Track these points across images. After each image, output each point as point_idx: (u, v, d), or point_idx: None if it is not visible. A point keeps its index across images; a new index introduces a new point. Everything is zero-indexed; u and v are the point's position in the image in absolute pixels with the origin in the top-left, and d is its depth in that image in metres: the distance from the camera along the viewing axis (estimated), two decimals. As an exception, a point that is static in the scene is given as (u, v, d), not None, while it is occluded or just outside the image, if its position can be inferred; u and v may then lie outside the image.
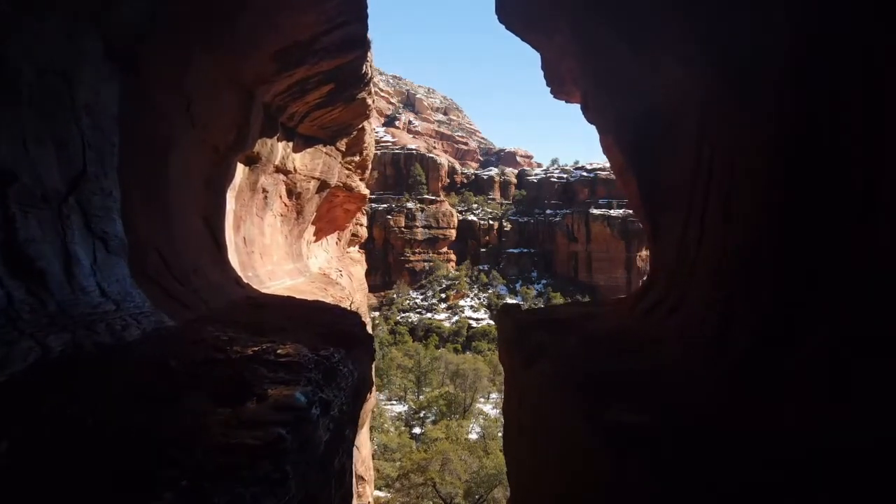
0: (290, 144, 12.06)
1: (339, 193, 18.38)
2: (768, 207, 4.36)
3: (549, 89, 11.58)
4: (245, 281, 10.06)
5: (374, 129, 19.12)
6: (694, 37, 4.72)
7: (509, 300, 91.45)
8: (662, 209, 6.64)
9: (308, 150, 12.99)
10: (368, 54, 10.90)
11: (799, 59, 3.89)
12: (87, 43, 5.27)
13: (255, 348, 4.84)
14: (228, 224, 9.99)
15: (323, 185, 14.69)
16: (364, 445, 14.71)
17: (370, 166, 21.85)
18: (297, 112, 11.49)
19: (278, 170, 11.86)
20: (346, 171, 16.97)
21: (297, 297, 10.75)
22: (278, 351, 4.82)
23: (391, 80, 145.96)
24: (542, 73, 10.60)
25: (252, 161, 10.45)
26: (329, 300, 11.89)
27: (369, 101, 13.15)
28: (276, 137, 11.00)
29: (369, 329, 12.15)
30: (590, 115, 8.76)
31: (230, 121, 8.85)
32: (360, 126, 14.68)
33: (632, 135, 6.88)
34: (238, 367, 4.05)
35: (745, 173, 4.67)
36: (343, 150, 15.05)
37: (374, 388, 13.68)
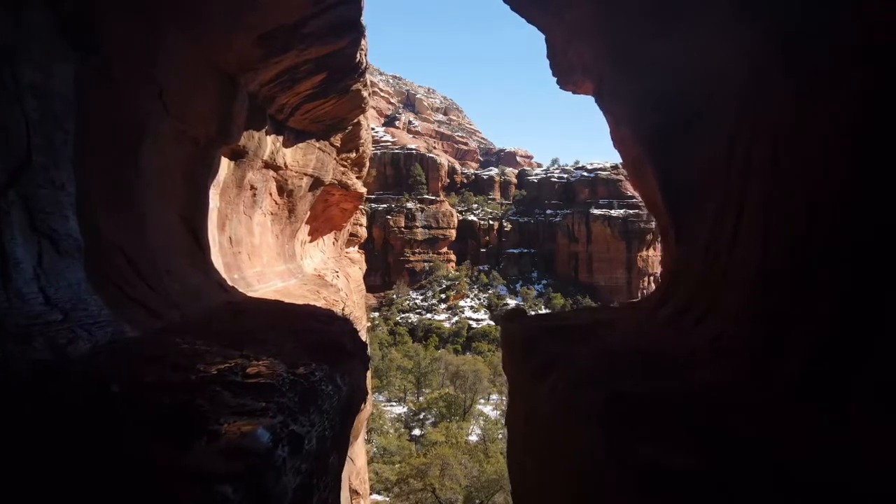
0: (281, 139, 11.36)
1: (334, 192, 17.68)
2: (825, 206, 3.67)
3: (555, 80, 10.90)
4: (230, 284, 9.36)
5: (370, 124, 18.42)
6: (739, 3, 4.02)
7: (510, 301, 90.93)
8: (686, 205, 5.95)
9: (300, 145, 12.30)
10: (363, 41, 10.21)
11: (872, 32, 3.21)
12: (33, 16, 4.57)
13: (222, 366, 4.14)
14: (212, 223, 9.30)
15: (317, 183, 14.00)
16: (359, 456, 14.04)
17: (367, 164, 21.16)
18: (288, 104, 10.80)
19: (267, 165, 11.16)
20: (342, 168, 16.28)
21: (287, 300, 10.05)
22: (248, 370, 4.12)
23: (391, 80, 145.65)
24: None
25: (238, 155, 9.75)
26: (321, 303, 11.20)
27: (364, 93, 12.45)
28: (264, 130, 10.31)
29: (364, 335, 11.45)
30: (604, 102, 8.07)
31: (211, 110, 8.16)
32: (356, 120, 13.99)
33: (653, 122, 6.20)
34: (194, 393, 3.37)
35: (796, 165, 3.98)
36: (338, 145, 14.36)
37: (370, 397, 13.01)
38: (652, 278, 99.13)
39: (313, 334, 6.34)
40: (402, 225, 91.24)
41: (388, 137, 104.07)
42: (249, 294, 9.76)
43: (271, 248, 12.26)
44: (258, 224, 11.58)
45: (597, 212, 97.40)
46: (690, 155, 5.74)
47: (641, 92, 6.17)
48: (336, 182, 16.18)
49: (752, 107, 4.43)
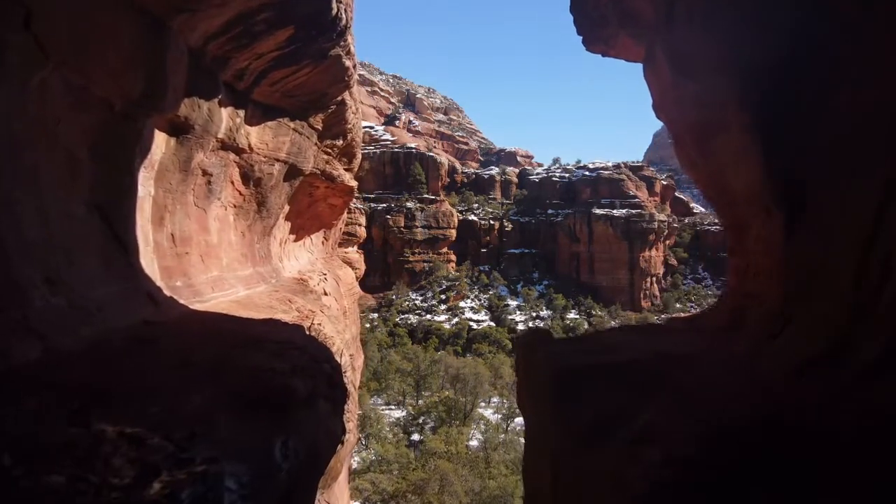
0: (242, 114, 9.24)
1: (318, 184, 15.55)
2: None
3: (581, 40, 8.78)
4: (167, 294, 7.25)
5: (359, 107, 16.29)
6: None
7: (510, 301, 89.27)
8: (819, 183, 3.82)
9: (269, 123, 10.18)
10: (341, -11, 8.11)
11: None
12: None
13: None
14: (143, 215, 7.19)
15: (293, 171, 11.87)
16: (341, 499, 11.93)
17: (358, 155, 19.04)
18: (249, 70, 8.69)
19: (226, 146, 9.05)
20: (325, 157, 14.14)
21: (244, 314, 7.94)
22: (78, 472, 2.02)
23: (391, 80, 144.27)
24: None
25: (179, 130, 7.64)
26: (291, 317, 9.09)
27: (347, 62, 10.33)
28: (216, 100, 8.19)
29: (353, 345, 9.34)
30: (663, 50, 5.95)
31: (128, 63, 6.05)
32: (339, 98, 11.88)
33: (765, 79, 4.08)
34: None
35: None
36: (319, 128, 12.25)
37: (352, 431, 10.96)
38: (654, 279, 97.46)
39: (247, 375, 4.24)
40: (402, 225, 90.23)
41: (388, 136, 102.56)
42: (194, 306, 7.64)
43: (234, 248, 10.13)
44: (216, 219, 9.46)
45: (599, 212, 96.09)
46: (829, 114, 3.62)
47: (743, 37, 4.05)
48: (318, 172, 14.04)
49: None
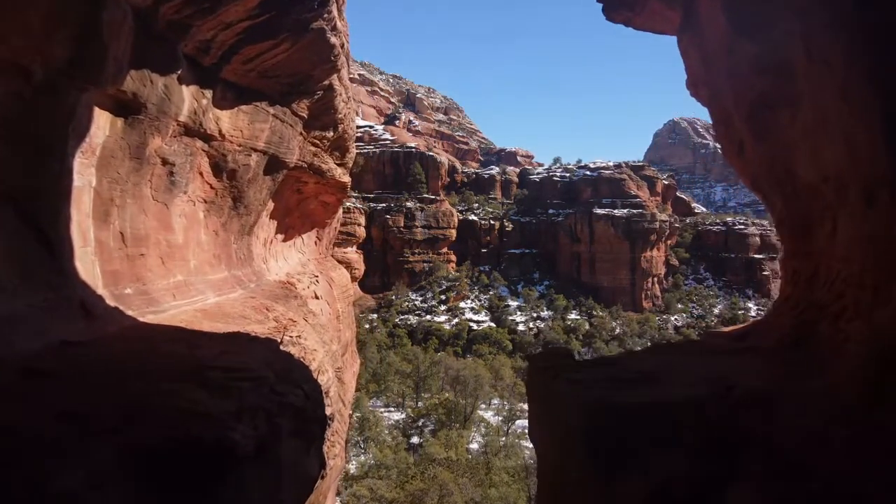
0: (210, 94, 8.05)
1: (306, 179, 14.34)
2: None
3: (601, 8, 7.58)
4: (110, 303, 6.06)
5: (351, 94, 15.07)
6: None
7: (511, 302, 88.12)
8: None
9: (244, 107, 8.98)
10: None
11: None
12: None
13: None
14: (80, 209, 6.00)
15: (275, 163, 10.67)
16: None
17: (351, 148, 17.83)
18: (216, 41, 7.50)
19: (191, 131, 7.85)
20: (313, 149, 12.93)
21: (207, 326, 6.74)
22: None
23: (391, 80, 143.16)
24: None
25: (128, 109, 6.45)
26: (268, 326, 7.90)
27: (333, 39, 9.14)
28: (175, 76, 6.99)
29: (328, 374, 8.13)
30: (729, 7, 4.73)
31: (49, 20, 4.87)
32: (326, 83, 10.68)
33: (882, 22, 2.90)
34: None
35: None
36: (304, 115, 11.05)
37: (340, 449, 9.76)
38: (655, 279, 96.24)
39: (168, 425, 3.06)
40: (402, 225, 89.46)
41: (388, 136, 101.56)
42: (146, 318, 6.45)
43: (204, 249, 8.94)
44: (181, 215, 8.27)
45: (600, 211, 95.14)
46: None
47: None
48: (305, 166, 12.83)
49: None
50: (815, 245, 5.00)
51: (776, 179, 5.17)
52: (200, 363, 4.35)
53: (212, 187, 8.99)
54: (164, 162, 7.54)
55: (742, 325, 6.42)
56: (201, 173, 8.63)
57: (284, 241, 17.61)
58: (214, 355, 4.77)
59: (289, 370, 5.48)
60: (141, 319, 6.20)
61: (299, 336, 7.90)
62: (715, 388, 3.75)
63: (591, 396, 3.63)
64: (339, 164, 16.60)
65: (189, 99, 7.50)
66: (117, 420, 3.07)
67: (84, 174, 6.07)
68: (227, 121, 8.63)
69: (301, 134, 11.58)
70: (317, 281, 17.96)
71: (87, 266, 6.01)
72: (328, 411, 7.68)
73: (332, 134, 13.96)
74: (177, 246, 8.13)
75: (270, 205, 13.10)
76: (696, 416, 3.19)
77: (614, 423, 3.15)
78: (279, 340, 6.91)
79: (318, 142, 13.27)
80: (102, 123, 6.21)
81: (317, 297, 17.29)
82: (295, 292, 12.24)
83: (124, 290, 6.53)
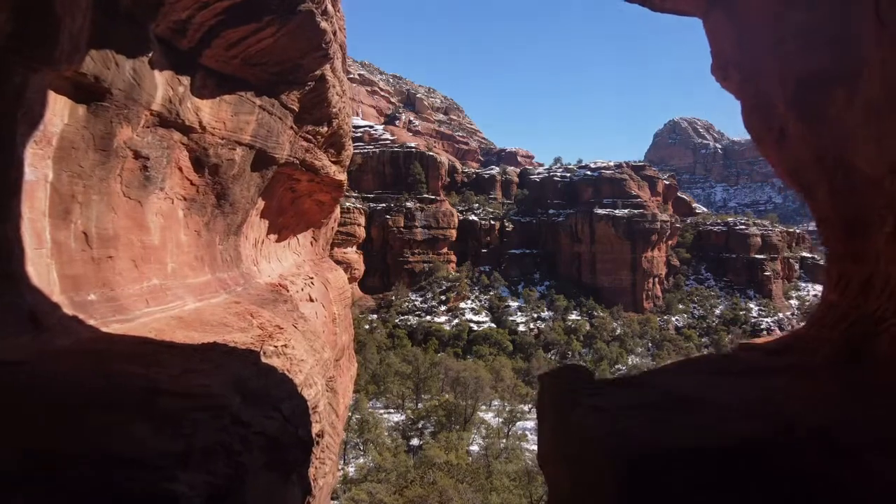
0: (188, 82, 7.36)
1: (299, 177, 13.65)
2: None
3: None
4: (68, 311, 5.38)
5: (346, 87, 14.37)
6: None
7: (511, 302, 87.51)
8: None
9: (227, 97, 8.29)
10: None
11: None
12: None
13: None
14: (34, 206, 5.33)
15: (263, 159, 9.98)
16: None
17: (348, 146, 17.13)
18: (193, 22, 6.82)
19: (167, 122, 7.17)
20: (305, 144, 12.24)
21: (181, 336, 6.05)
22: None
23: (391, 80, 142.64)
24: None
25: (90, 94, 5.77)
26: (251, 335, 7.21)
27: (324, 24, 8.46)
28: (145, 59, 6.31)
29: (317, 387, 7.44)
30: None
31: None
32: (318, 73, 10.00)
33: None
34: None
35: None
36: (294, 108, 10.35)
37: (332, 466, 9.09)
38: (656, 279, 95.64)
39: (83, 477, 2.39)
40: (402, 225, 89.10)
41: (388, 136, 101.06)
42: (111, 326, 5.76)
43: (185, 251, 8.25)
44: (158, 214, 7.58)
45: (601, 211, 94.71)
46: None
47: None
48: (297, 162, 12.14)
49: None
50: (871, 247, 4.31)
51: (824, 170, 4.49)
52: (154, 387, 3.67)
53: (192, 183, 8.30)
54: (137, 155, 6.86)
55: (777, 337, 5.73)
56: (180, 168, 7.95)
57: (278, 241, 16.94)
58: (174, 376, 4.09)
59: (265, 389, 4.79)
60: (103, 330, 5.52)
61: (285, 345, 7.22)
62: (771, 424, 3.06)
63: (627, 436, 2.95)
64: (334, 162, 15.91)
65: (163, 86, 6.81)
66: (25, 469, 2.39)
67: (38, 167, 5.39)
68: (208, 111, 7.95)
69: (292, 128, 10.89)
70: (312, 283, 17.29)
71: (42, 270, 5.33)
72: (315, 429, 7.00)
73: (326, 129, 13.27)
74: (152, 247, 7.45)
75: (261, 203, 12.42)
76: (762, 469, 2.51)
77: (662, 478, 2.48)
78: (261, 352, 6.24)
79: (310, 137, 12.59)
80: (60, 110, 5.53)
81: (311, 300, 16.61)
82: (286, 296, 11.56)
83: (87, 297, 5.85)
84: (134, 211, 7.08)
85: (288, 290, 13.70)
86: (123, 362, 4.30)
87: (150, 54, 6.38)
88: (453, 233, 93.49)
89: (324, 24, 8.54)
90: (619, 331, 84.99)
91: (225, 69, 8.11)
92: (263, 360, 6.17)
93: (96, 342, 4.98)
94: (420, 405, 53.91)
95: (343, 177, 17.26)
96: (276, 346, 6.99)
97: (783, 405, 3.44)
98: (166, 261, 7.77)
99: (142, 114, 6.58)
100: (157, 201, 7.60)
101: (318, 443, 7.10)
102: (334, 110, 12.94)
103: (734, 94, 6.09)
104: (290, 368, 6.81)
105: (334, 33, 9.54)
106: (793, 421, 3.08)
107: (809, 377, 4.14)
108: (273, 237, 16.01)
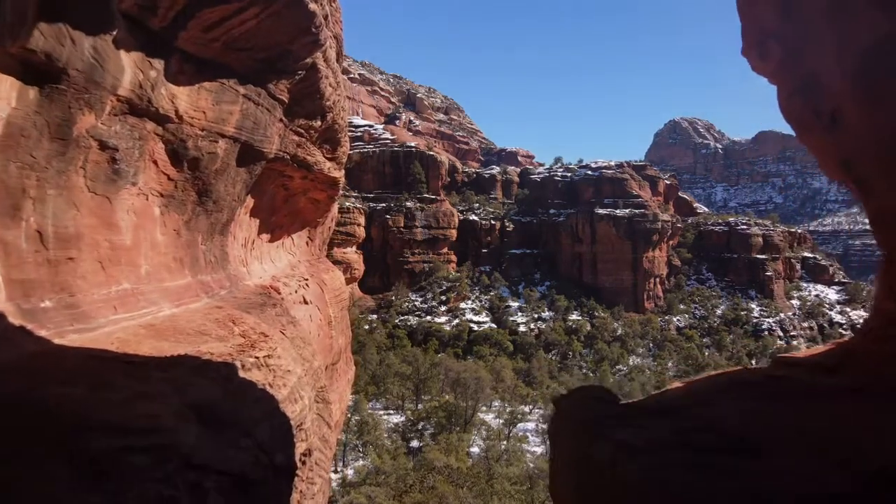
0: (161, 65, 6.68)
1: (291, 174, 12.97)
2: None
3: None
4: (15, 321, 4.71)
5: (340, 78, 13.68)
6: None
7: (512, 302, 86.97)
8: None
9: (207, 84, 7.61)
10: None
11: None
12: None
13: None
14: (-26, 202, 4.66)
15: (249, 153, 9.30)
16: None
17: (345, 141, 16.43)
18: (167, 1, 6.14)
19: (137, 110, 6.50)
20: (296, 139, 11.56)
21: (147, 348, 5.38)
22: None
23: (391, 80, 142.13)
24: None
25: (44, 76, 5.09)
26: (231, 344, 6.53)
27: (313, 6, 7.77)
28: (109, 37, 5.64)
29: (304, 400, 6.75)
30: None
31: None
32: (309, 61, 9.32)
33: None
34: None
35: None
36: (284, 99, 9.68)
37: (324, 486, 8.45)
38: (657, 280, 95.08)
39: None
40: (402, 225, 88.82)
41: (388, 135, 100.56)
42: (68, 337, 5.09)
43: (161, 251, 7.57)
44: (129, 211, 6.90)
45: (601, 211, 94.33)
46: None
47: None
48: (288, 157, 11.46)
49: None
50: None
51: (891, 159, 3.81)
52: (89, 421, 3.00)
53: (170, 179, 7.63)
54: (103, 146, 6.18)
55: (821, 351, 5.05)
56: (155, 162, 7.27)
57: (271, 241, 16.25)
58: (120, 402, 3.42)
59: (236, 412, 4.12)
60: (55, 341, 4.85)
61: (269, 356, 6.55)
62: (860, 472, 2.38)
63: (672, 491, 2.27)
64: (329, 158, 15.23)
65: (131, 68, 6.13)
66: None
67: (-21, 156, 4.72)
68: (185, 99, 7.27)
69: (281, 121, 10.21)
70: (307, 284, 16.60)
71: (-16, 274, 4.66)
72: (302, 447, 6.33)
73: (319, 123, 12.59)
74: (123, 247, 6.77)
75: (250, 201, 11.75)
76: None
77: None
78: (238, 364, 5.57)
79: (302, 131, 11.90)
80: (6, 92, 4.85)
81: (306, 302, 15.93)
82: (275, 299, 10.89)
83: (39, 304, 5.18)
84: (101, 208, 6.40)
85: (280, 293, 13.02)
86: (63, 384, 3.63)
87: (115, 32, 5.70)
88: (453, 233, 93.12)
89: (313, 6, 7.87)
90: (619, 331, 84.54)
91: (205, 53, 7.43)
92: (241, 374, 5.51)
93: (40, 357, 4.32)
94: (420, 406, 53.54)
95: (339, 174, 16.57)
96: (257, 357, 6.32)
97: (861, 445, 2.75)
98: (139, 262, 7.10)
99: (107, 99, 5.90)
100: (130, 197, 6.93)
101: (304, 462, 6.44)
102: (328, 103, 12.26)
103: (769, 77, 5.42)
104: (272, 382, 6.14)
105: (325, 17, 8.86)
106: (888, 468, 2.40)
107: (879, 404, 3.47)
108: (265, 237, 15.33)
